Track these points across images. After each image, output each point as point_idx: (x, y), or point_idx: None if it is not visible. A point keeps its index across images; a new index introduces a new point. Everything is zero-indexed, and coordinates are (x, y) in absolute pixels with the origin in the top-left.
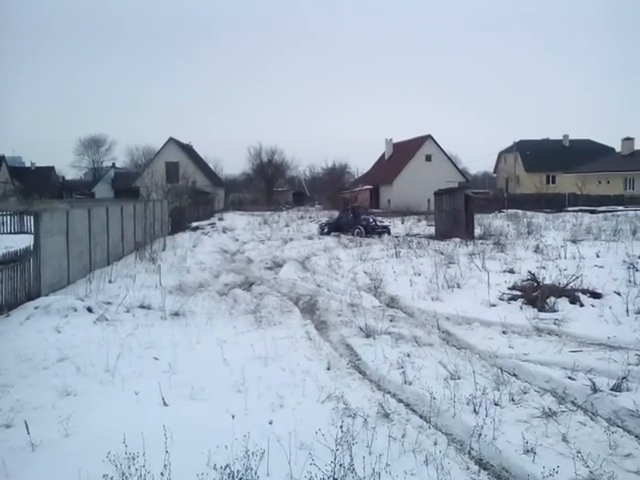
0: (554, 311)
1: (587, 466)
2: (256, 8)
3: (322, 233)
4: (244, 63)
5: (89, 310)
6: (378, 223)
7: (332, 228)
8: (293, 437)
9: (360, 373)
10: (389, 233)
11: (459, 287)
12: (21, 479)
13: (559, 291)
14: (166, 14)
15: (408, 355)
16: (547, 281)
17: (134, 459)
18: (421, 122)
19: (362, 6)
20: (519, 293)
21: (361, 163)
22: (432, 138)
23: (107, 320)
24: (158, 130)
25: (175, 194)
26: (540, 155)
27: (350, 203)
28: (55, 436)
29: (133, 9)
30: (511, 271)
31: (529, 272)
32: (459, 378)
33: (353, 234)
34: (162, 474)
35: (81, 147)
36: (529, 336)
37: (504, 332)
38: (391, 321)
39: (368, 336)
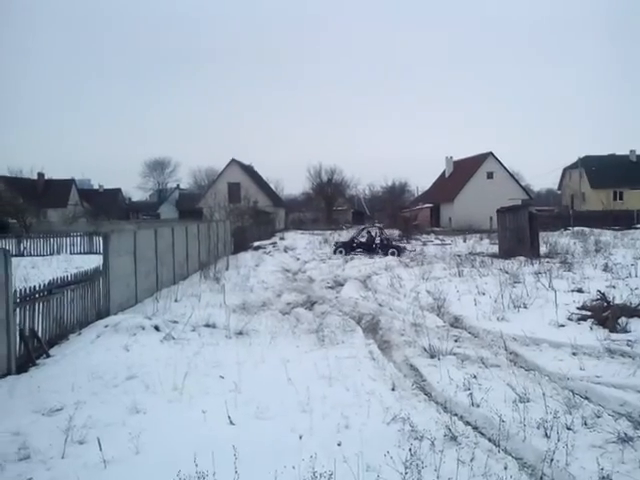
0: (626, 332)
1: None
2: (320, 32)
3: (336, 252)
4: (305, 84)
5: (156, 329)
6: (393, 243)
7: (347, 248)
8: (360, 458)
9: (425, 394)
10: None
11: (525, 307)
12: None
13: (631, 311)
14: (225, 39)
15: (474, 376)
16: (618, 301)
17: (204, 478)
18: (482, 139)
19: (420, 24)
20: (589, 313)
21: (421, 181)
22: (493, 155)
23: (174, 339)
24: (220, 152)
25: (237, 214)
26: (606, 171)
27: (410, 222)
28: (126, 453)
29: (193, 33)
30: (579, 290)
31: (598, 291)
32: (528, 401)
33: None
34: None
35: (147, 169)
36: (601, 358)
37: (574, 353)
38: (456, 341)
39: (432, 356)
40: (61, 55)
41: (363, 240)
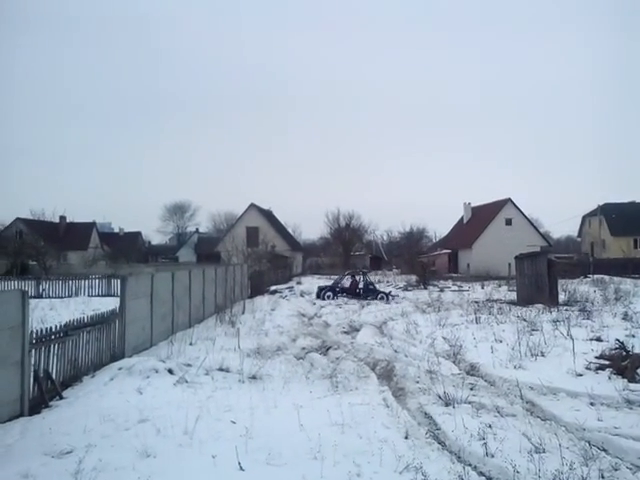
0: None
1: None
2: (338, 78)
3: (323, 297)
4: (324, 130)
5: (170, 372)
6: (377, 288)
7: (332, 292)
8: None
9: (439, 443)
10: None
11: (543, 355)
12: None
13: None
14: (245, 84)
15: (490, 426)
16: (637, 350)
17: None
18: (500, 185)
19: (437, 71)
20: (607, 362)
21: (439, 227)
22: (512, 201)
23: (187, 382)
24: (240, 196)
25: (255, 258)
26: (626, 219)
27: (428, 267)
28: None
29: (213, 78)
30: (598, 339)
31: (617, 340)
32: (544, 451)
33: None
34: None
35: (167, 213)
36: (619, 408)
37: (592, 403)
38: (471, 389)
39: (447, 405)
40: (85, 101)
41: (347, 285)
